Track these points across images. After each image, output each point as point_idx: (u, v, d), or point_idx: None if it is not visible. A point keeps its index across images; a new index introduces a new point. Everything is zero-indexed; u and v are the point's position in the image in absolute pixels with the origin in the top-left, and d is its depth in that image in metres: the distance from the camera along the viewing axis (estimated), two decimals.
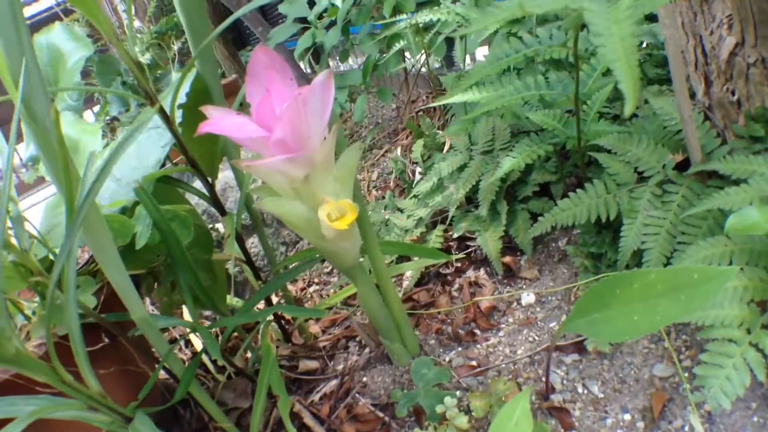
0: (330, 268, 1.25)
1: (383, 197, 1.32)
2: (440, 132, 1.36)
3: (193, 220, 0.66)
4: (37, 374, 0.41)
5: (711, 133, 0.76)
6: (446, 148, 1.29)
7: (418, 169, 1.25)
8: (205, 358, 0.93)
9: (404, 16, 1.01)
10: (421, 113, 1.63)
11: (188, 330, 0.85)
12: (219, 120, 0.52)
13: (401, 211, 1.12)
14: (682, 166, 0.78)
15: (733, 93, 0.73)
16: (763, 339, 0.55)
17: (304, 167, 0.54)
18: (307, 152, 0.54)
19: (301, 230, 0.62)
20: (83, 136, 1.00)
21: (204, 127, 0.49)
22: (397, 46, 1.25)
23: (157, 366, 0.61)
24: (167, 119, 0.62)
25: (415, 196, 1.11)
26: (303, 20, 1.85)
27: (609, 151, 0.83)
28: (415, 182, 1.21)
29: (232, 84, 1.91)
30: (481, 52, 1.87)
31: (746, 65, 0.69)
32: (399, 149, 1.48)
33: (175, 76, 1.68)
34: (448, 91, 1.22)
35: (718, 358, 0.55)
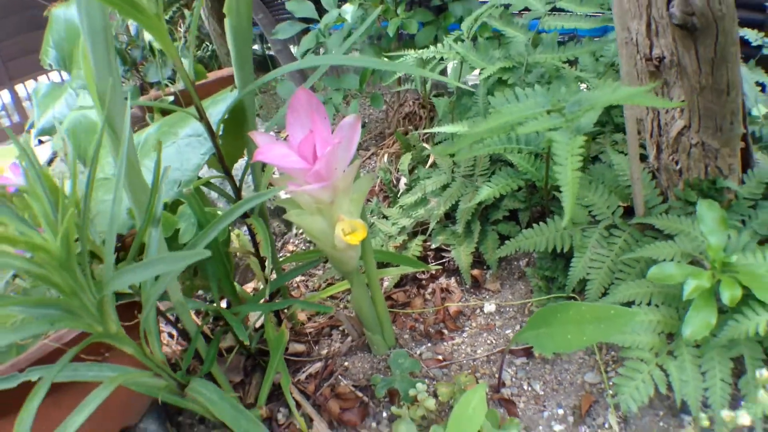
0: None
1: (369, 200, 1.46)
2: (426, 146, 1.50)
3: None
4: (128, 348, 0.53)
5: (655, 191, 0.93)
6: (430, 161, 1.43)
7: (404, 180, 1.39)
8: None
9: (411, 52, 1.13)
10: (408, 124, 1.76)
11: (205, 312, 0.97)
12: (267, 149, 0.64)
13: (386, 218, 1.26)
14: (628, 213, 0.95)
15: (677, 163, 0.90)
16: (667, 362, 0.72)
17: (331, 193, 0.68)
18: (335, 180, 0.67)
19: (317, 239, 0.75)
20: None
21: (257, 157, 0.62)
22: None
23: (186, 341, 0.73)
24: (212, 133, 0.74)
25: (400, 207, 1.25)
26: (307, 20, 1.94)
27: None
28: (400, 192, 1.35)
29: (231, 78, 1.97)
30: (473, 77, 2.01)
31: (689, 144, 0.85)
32: (386, 157, 1.61)
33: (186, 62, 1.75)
34: (438, 113, 1.36)
35: (631, 372, 0.72)
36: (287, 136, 0.70)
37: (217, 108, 0.77)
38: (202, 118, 0.72)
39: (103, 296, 0.48)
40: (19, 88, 3.52)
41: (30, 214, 0.53)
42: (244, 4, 0.74)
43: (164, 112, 1.68)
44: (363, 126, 2.16)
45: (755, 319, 0.66)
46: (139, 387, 0.61)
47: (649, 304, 0.76)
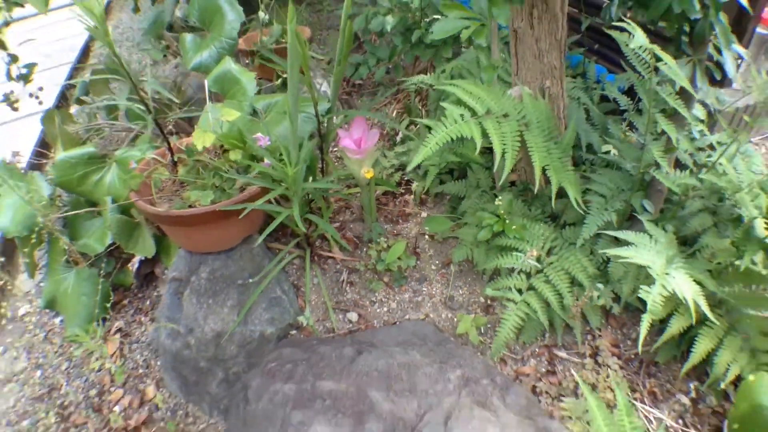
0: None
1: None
2: (423, 111, 2.51)
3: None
4: (297, 202, 1.61)
5: (509, 179, 1.98)
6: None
7: (400, 134, 2.42)
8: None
9: (412, 79, 2.11)
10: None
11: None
12: (343, 139, 1.69)
13: (385, 156, 2.31)
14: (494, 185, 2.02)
15: (517, 171, 1.94)
16: (475, 248, 1.83)
17: (362, 158, 1.74)
18: (365, 154, 1.73)
19: (353, 171, 1.82)
20: (242, 76, 2.08)
21: (340, 143, 1.67)
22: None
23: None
24: (318, 121, 1.77)
25: (395, 152, 2.29)
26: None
27: (473, 170, 2.05)
28: (397, 142, 2.39)
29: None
30: None
31: (522, 167, 1.90)
32: (395, 112, 2.62)
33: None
34: (429, 103, 2.35)
35: (459, 249, 1.83)
36: (348, 125, 1.75)
37: (320, 107, 1.79)
38: (317, 115, 1.75)
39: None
40: None
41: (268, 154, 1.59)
42: (339, 79, 1.73)
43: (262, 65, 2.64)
44: (388, 74, 3.11)
45: (507, 241, 1.75)
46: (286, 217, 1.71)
47: (477, 225, 1.86)
